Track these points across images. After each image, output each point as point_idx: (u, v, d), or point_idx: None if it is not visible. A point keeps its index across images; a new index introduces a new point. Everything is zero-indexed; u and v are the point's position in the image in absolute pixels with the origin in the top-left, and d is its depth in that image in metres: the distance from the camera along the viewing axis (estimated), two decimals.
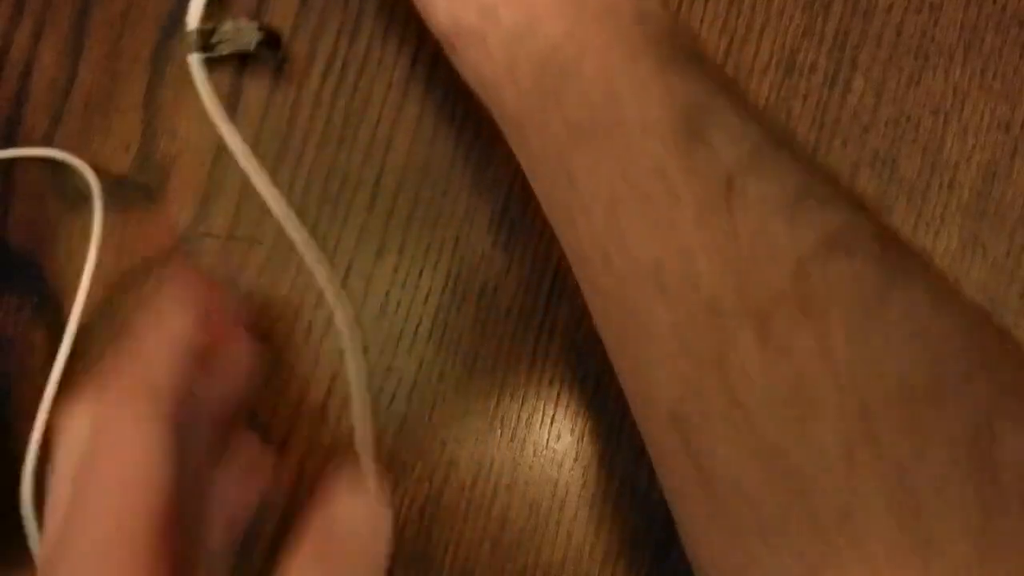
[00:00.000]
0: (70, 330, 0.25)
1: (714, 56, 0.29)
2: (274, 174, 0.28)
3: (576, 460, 0.28)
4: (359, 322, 0.28)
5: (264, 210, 0.28)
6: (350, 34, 0.28)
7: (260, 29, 0.27)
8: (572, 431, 0.28)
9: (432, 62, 0.28)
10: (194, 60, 0.27)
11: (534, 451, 0.28)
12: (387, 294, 0.28)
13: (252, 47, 0.27)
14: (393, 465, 0.28)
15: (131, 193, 0.28)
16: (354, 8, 0.29)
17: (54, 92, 0.28)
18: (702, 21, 0.29)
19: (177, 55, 0.28)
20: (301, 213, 0.28)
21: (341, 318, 0.26)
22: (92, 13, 0.28)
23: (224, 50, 0.27)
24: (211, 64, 0.28)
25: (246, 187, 0.28)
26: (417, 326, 0.28)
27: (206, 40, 0.27)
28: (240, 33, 0.27)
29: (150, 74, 0.28)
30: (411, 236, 0.28)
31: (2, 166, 0.28)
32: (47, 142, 0.27)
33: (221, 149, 0.28)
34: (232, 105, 0.28)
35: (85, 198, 0.27)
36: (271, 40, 0.28)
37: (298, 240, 0.27)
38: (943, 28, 0.30)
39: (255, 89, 0.28)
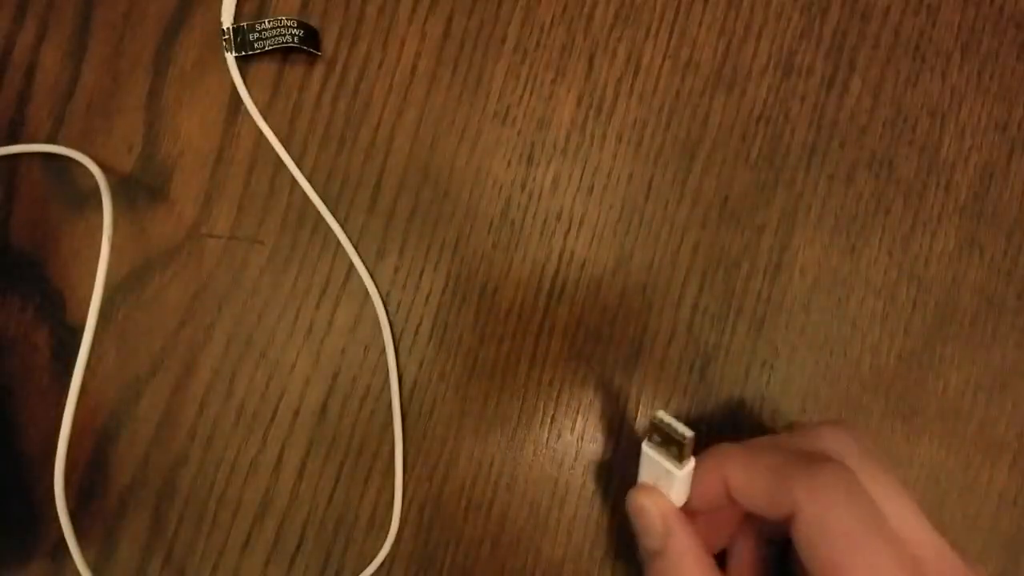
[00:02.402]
0: (90, 324, 0.25)
1: (712, 58, 0.29)
2: (276, 175, 0.28)
3: (576, 459, 0.28)
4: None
5: (265, 210, 0.28)
6: (351, 37, 0.29)
7: (299, 26, 0.28)
8: (571, 430, 0.28)
9: (432, 65, 0.29)
10: (230, 59, 0.28)
11: (534, 451, 0.28)
12: (388, 294, 0.28)
13: (294, 42, 0.27)
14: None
15: (135, 192, 0.28)
16: (355, 11, 0.29)
17: (57, 93, 0.28)
18: (700, 23, 0.29)
19: (178, 56, 0.28)
20: (303, 213, 0.28)
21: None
22: (95, 15, 0.28)
23: (263, 47, 0.27)
24: (212, 68, 0.28)
25: (247, 187, 0.28)
26: (417, 326, 0.28)
27: (243, 37, 0.27)
28: (279, 30, 0.27)
29: (152, 75, 0.28)
30: (412, 237, 0.28)
31: (5, 167, 0.28)
32: (50, 142, 0.28)
33: (223, 150, 0.28)
34: (235, 108, 0.28)
35: (88, 199, 0.28)
36: (309, 35, 0.28)
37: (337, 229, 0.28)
38: (940, 30, 0.30)
39: (257, 93, 0.28)
